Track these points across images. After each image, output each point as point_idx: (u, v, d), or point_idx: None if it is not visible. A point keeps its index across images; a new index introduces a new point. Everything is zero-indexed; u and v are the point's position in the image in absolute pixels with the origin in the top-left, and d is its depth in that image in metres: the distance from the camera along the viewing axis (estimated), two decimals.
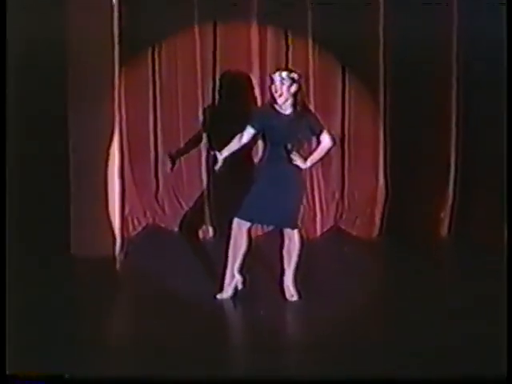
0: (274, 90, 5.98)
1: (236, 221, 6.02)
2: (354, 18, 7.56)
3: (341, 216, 8.16)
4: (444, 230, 7.93)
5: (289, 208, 6.03)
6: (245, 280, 6.20)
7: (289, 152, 5.93)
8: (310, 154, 6.16)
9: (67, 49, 6.97)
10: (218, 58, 7.77)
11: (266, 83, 6.97)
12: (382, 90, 7.89)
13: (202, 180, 7.93)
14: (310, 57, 7.81)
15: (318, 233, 8.02)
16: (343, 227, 8.14)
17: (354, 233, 8.09)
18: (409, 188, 7.88)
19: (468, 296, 6.08)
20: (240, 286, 6.20)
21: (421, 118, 7.73)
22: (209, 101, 7.81)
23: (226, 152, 6.17)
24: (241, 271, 6.15)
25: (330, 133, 6.18)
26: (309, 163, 6.09)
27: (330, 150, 6.24)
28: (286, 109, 6.00)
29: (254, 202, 5.98)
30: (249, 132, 6.09)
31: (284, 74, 5.96)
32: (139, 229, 7.99)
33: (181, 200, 8.03)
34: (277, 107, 6.03)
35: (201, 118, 7.80)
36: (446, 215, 7.91)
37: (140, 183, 7.99)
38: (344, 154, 8.04)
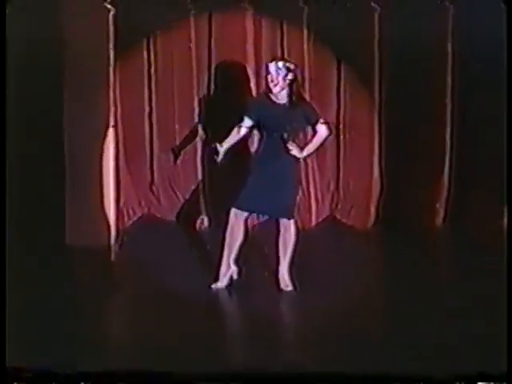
0: (269, 80, 5.97)
1: (233, 211, 6.02)
2: (350, 9, 7.58)
3: (336, 206, 8.14)
4: (439, 221, 7.93)
5: (285, 198, 6.03)
6: (240, 270, 6.20)
7: (285, 142, 5.92)
8: (306, 144, 6.16)
9: (62, 44, 6.98)
10: (213, 49, 7.75)
11: (262, 73, 6.97)
12: (377, 81, 7.88)
13: (197, 170, 7.91)
14: (305, 47, 7.80)
15: (313, 223, 8.00)
16: (338, 217, 8.12)
17: (350, 223, 8.08)
18: (404, 178, 7.86)
19: (466, 288, 6.07)
20: (235, 277, 6.19)
21: (416, 109, 7.71)
22: (204, 92, 7.79)
23: (226, 144, 6.14)
24: (237, 262, 6.15)
25: (326, 122, 6.16)
26: (305, 153, 6.09)
27: (326, 139, 6.22)
28: (282, 98, 5.99)
29: (250, 193, 5.98)
30: (247, 123, 6.08)
31: (280, 63, 5.95)
32: (134, 219, 7.97)
33: (176, 190, 8.00)
34: (272, 97, 6.01)
35: (196, 109, 7.79)
36: (441, 206, 7.91)
37: (135, 173, 7.96)
38: (339, 144, 8.02)
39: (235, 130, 6.14)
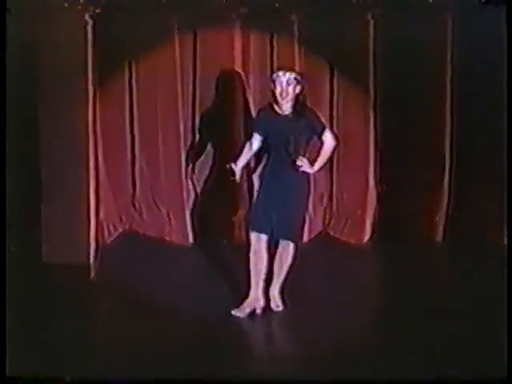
0: (278, 92, 5.77)
1: (252, 234, 5.87)
2: (341, 18, 7.37)
3: (329, 221, 7.92)
4: (439, 235, 7.71)
5: (292, 219, 5.88)
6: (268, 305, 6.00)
7: (290, 155, 5.74)
8: (316, 157, 5.93)
9: (40, 62, 6.82)
10: (198, 65, 7.60)
11: (251, 87, 7.30)
12: (372, 91, 7.69)
13: (181, 184, 7.68)
14: (297, 58, 7.57)
15: (306, 238, 7.70)
16: (332, 233, 7.89)
17: (344, 238, 7.84)
18: (401, 190, 7.69)
19: (465, 305, 5.97)
20: (259, 311, 5.94)
21: (413, 119, 7.56)
22: (189, 106, 7.64)
23: (241, 163, 6.04)
24: (266, 292, 5.96)
25: (331, 131, 6.03)
26: (316, 167, 5.89)
27: (334, 149, 6.03)
28: (286, 109, 5.82)
29: (255, 212, 5.89)
30: (256, 138, 5.97)
31: (292, 75, 5.79)
32: (115, 235, 7.75)
33: (159, 205, 7.79)
34: (277, 108, 5.85)
35: (181, 122, 7.59)
36: (441, 218, 7.69)
37: (115, 187, 7.76)
38: (333, 155, 7.63)
39: (247, 146, 6.05)
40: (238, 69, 7.54)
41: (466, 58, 7.35)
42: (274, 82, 5.81)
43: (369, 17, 7.48)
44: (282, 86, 5.75)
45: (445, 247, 7.59)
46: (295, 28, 7.51)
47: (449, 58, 7.47)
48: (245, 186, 7.50)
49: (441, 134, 7.58)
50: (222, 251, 7.37)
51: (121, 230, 7.78)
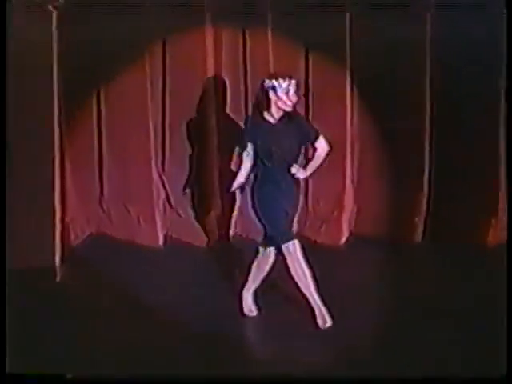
0: (283, 99, 5.56)
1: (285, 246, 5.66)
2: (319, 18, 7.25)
3: (305, 222, 7.72)
4: (418, 236, 7.56)
5: (275, 224, 5.65)
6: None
7: (285, 162, 5.61)
8: (308, 161, 5.94)
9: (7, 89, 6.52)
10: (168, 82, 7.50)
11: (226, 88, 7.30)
12: (348, 89, 7.56)
13: (151, 185, 7.55)
14: (271, 60, 7.45)
15: None
16: (307, 234, 7.66)
17: (320, 240, 7.66)
18: (378, 191, 7.59)
19: (446, 306, 5.94)
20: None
21: (391, 117, 7.40)
22: (158, 105, 7.52)
23: (241, 177, 5.82)
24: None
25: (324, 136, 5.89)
26: (308, 172, 5.80)
27: (327, 155, 5.89)
28: (278, 117, 5.65)
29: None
30: (251, 148, 5.73)
31: (293, 81, 5.62)
32: (82, 238, 7.60)
33: (128, 206, 7.63)
34: (267, 117, 5.66)
35: (151, 121, 7.46)
36: (420, 220, 7.54)
37: (82, 189, 7.62)
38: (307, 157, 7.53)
39: (244, 158, 5.83)
40: (211, 71, 7.46)
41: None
42: (272, 89, 5.58)
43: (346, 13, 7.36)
44: (285, 95, 5.55)
45: (423, 247, 7.46)
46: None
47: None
48: (217, 188, 7.45)
49: (420, 133, 7.45)
50: (193, 253, 7.30)
51: (88, 233, 7.63)
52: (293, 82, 5.60)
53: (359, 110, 7.58)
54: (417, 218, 7.51)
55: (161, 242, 7.56)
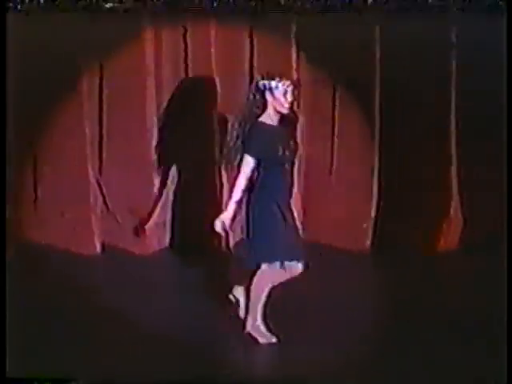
0: (283, 101, 5.23)
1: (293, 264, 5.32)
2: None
3: None
4: (367, 242, 7.44)
5: (265, 242, 5.26)
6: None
7: (285, 166, 5.29)
8: None
9: None
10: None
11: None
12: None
13: (89, 188, 7.34)
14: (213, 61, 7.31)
15: None
16: None
17: None
18: (325, 198, 7.49)
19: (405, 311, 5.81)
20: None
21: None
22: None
23: (237, 195, 5.27)
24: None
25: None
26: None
27: None
28: (276, 119, 5.32)
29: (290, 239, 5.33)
30: (249, 161, 5.24)
31: (289, 81, 5.37)
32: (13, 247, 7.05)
33: (64, 212, 7.33)
34: (267, 120, 5.28)
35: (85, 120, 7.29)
36: (368, 226, 7.43)
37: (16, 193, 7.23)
38: None
39: (244, 169, 5.30)
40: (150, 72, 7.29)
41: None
42: (270, 91, 5.26)
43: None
44: (284, 96, 5.25)
45: (372, 254, 7.35)
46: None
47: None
48: (163, 194, 7.28)
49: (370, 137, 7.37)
50: (131, 261, 7.10)
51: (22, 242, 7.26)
52: (287, 82, 5.31)
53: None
54: (365, 224, 7.40)
55: (98, 249, 7.34)
